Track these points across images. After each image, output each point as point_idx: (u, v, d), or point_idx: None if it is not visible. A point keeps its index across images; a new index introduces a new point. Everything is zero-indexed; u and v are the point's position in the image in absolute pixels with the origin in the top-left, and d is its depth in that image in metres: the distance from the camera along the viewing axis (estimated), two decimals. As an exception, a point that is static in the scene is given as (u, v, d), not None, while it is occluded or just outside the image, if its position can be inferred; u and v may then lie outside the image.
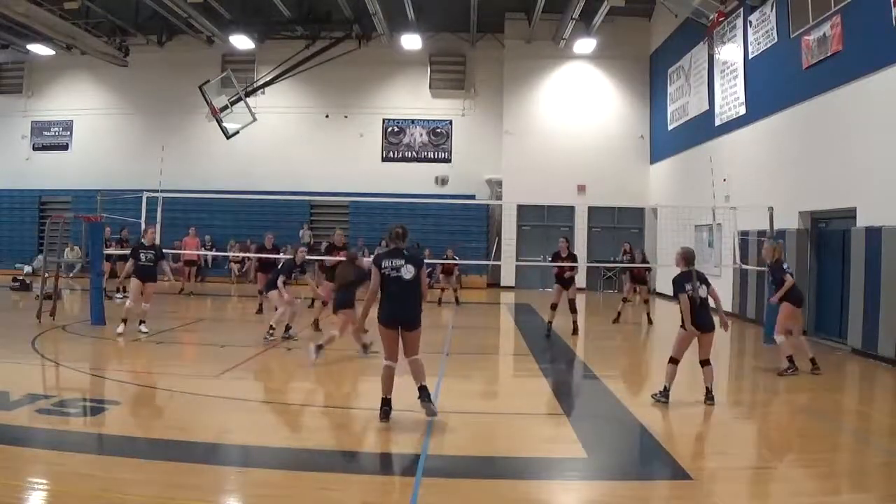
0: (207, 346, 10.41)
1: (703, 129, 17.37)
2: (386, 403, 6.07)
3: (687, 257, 7.13)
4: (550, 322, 11.89)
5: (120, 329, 10.56)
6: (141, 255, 11.04)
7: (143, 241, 11.23)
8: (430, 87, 23.61)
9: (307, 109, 23.89)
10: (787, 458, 5.69)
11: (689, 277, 6.97)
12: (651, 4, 20.95)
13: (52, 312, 11.75)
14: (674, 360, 7.03)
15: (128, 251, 15.64)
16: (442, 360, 9.31)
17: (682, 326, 7.00)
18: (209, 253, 21.04)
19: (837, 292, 11.23)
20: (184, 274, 18.40)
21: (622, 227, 22.11)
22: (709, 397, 6.95)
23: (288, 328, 10.68)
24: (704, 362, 7.01)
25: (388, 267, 6.04)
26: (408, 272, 6.03)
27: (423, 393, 6.12)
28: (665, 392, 7.00)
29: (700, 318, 6.90)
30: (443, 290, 17.04)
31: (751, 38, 14.65)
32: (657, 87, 21.75)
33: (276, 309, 10.67)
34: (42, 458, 4.96)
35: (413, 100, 23.79)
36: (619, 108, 22.62)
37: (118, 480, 4.53)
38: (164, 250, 11.79)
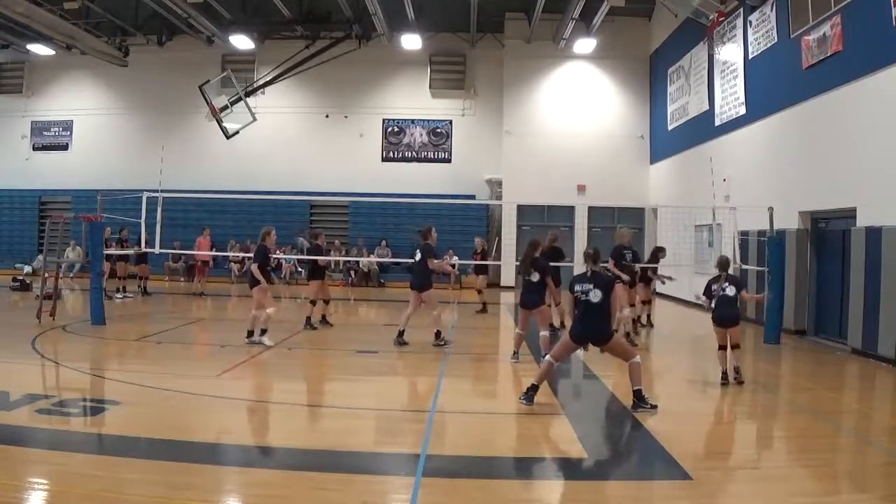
0: (207, 346, 10.41)
1: (703, 129, 17.35)
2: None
3: (721, 263, 8.25)
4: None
5: (268, 341, 9.92)
6: (271, 260, 10.41)
7: (267, 244, 10.27)
8: (430, 87, 23.56)
9: (307, 109, 23.87)
10: (787, 458, 5.70)
11: (717, 279, 8.08)
12: (651, 4, 20.93)
13: (52, 312, 11.75)
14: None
15: (129, 251, 15.73)
16: (442, 360, 9.31)
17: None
18: (237, 254, 20.57)
19: (837, 292, 11.21)
20: (203, 273, 18.37)
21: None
22: (736, 374, 7.91)
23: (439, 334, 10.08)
24: (734, 346, 7.98)
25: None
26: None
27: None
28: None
29: (720, 313, 7.97)
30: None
31: (751, 38, 14.64)
32: (657, 87, 21.74)
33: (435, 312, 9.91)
34: (42, 458, 4.97)
35: (413, 100, 23.75)
36: (618, 108, 22.60)
37: (118, 480, 4.53)
38: (165, 251, 11.62)
